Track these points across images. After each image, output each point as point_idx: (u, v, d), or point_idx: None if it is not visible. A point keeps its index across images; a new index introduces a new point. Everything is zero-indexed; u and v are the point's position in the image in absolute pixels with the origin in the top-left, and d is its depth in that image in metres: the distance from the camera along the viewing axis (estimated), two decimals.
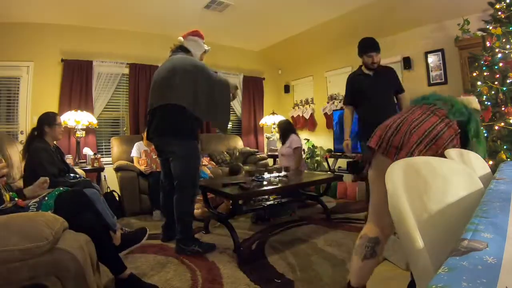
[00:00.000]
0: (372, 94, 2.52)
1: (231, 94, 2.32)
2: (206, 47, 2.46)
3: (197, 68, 2.23)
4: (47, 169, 2.10)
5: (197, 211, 2.90)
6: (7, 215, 1.10)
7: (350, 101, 2.71)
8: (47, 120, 2.35)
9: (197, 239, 2.32)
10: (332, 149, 4.54)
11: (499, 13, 2.58)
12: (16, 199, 1.38)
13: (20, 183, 2.27)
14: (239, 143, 5.02)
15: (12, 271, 0.96)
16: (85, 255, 1.15)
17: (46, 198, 1.37)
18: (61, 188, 1.49)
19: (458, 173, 0.89)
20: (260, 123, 5.52)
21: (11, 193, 1.41)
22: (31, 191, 1.52)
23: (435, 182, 0.82)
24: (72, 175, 2.36)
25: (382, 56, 4.21)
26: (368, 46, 2.53)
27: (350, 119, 2.72)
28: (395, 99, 2.68)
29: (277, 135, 5.27)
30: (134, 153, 3.61)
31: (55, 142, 2.46)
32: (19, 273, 0.97)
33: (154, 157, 3.42)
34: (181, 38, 2.39)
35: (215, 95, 2.26)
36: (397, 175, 0.77)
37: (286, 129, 3.84)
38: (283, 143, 3.83)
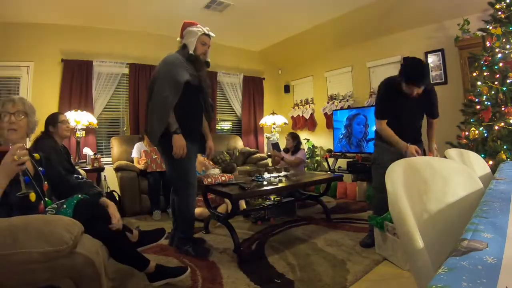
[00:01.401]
0: (405, 116, 2.21)
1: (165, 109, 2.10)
2: (201, 30, 2.21)
3: (160, 66, 2.16)
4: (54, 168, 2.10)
5: (197, 211, 2.90)
6: (25, 217, 1.09)
7: (385, 116, 2.24)
8: (50, 121, 2.36)
9: (195, 240, 2.29)
10: (332, 149, 4.54)
11: (499, 13, 2.59)
12: (42, 202, 1.36)
13: None
14: (239, 143, 5.02)
15: (29, 272, 0.97)
16: (100, 259, 1.16)
17: (65, 206, 1.34)
18: (79, 196, 1.45)
19: (458, 173, 0.89)
20: (260, 123, 5.52)
21: (47, 199, 1.40)
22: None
23: (435, 182, 0.82)
24: (75, 175, 2.36)
25: (381, 56, 4.27)
26: (415, 78, 2.00)
27: (390, 130, 2.22)
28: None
29: (275, 136, 5.28)
30: (134, 153, 3.62)
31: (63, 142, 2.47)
32: (36, 275, 0.98)
33: (154, 157, 3.42)
34: (179, 39, 2.30)
35: (153, 94, 2.12)
36: (397, 175, 0.77)
37: (299, 142, 4.05)
38: (292, 153, 3.98)
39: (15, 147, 1.15)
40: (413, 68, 2.02)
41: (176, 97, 2.07)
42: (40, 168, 1.45)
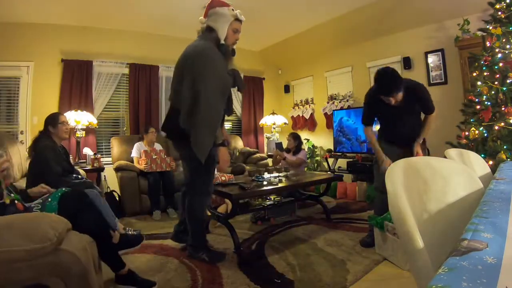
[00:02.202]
0: (393, 120, 2.27)
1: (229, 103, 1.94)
2: (233, 14, 1.92)
3: (194, 58, 1.83)
4: (53, 168, 2.10)
5: None
6: (10, 216, 1.09)
7: (369, 122, 2.38)
8: (50, 121, 2.35)
9: (207, 247, 2.18)
10: (332, 149, 4.54)
11: (499, 13, 2.59)
12: (17, 202, 1.37)
13: (20, 183, 2.27)
14: (239, 143, 5.02)
15: (14, 271, 0.96)
16: (88, 256, 1.15)
17: (50, 199, 1.37)
18: (63, 189, 1.48)
19: (458, 173, 0.89)
20: (260, 123, 5.52)
21: (12, 194, 1.40)
22: (35, 193, 1.54)
23: (435, 182, 0.82)
24: (74, 175, 2.36)
25: (381, 56, 4.26)
26: (383, 91, 2.06)
27: (374, 137, 2.38)
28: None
29: (275, 136, 5.27)
30: (134, 153, 3.62)
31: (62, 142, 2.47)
32: (22, 273, 0.98)
33: (154, 157, 3.43)
34: (201, 18, 1.96)
35: (200, 103, 1.77)
36: (397, 175, 0.77)
37: (301, 143, 4.05)
38: (294, 153, 3.98)
39: None
40: (381, 80, 2.05)
41: (224, 106, 1.88)
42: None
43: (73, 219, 1.24)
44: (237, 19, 1.94)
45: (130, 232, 2.10)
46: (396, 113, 2.19)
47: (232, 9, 1.92)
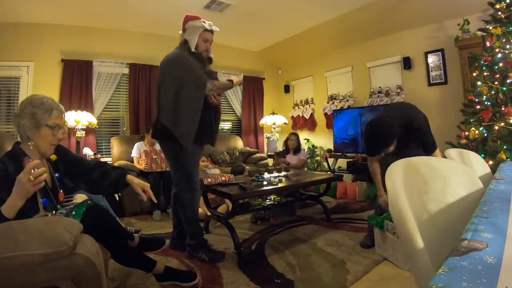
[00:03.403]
0: (398, 149, 1.92)
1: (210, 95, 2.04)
2: (203, 25, 2.09)
3: (168, 64, 2.04)
4: None
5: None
6: (26, 220, 1.08)
7: (372, 154, 2.10)
8: None
9: (207, 246, 2.19)
10: (332, 149, 4.54)
11: (499, 13, 2.59)
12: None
13: None
14: (239, 143, 5.02)
15: (30, 274, 0.97)
16: (101, 260, 1.15)
17: (73, 212, 1.31)
18: (89, 202, 1.41)
19: (458, 173, 0.89)
20: (260, 123, 5.52)
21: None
22: None
23: (435, 182, 0.82)
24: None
25: (381, 56, 4.27)
26: (370, 153, 2.01)
27: (377, 169, 2.19)
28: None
29: (275, 136, 5.27)
30: (134, 153, 3.61)
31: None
32: (37, 276, 0.98)
33: (154, 157, 3.42)
34: (181, 32, 2.17)
35: (180, 97, 1.99)
36: (397, 175, 0.77)
37: (300, 143, 4.08)
38: (294, 153, 4.00)
39: (29, 165, 1.03)
40: (367, 142, 1.94)
41: (203, 94, 2.01)
42: (56, 174, 1.39)
43: (94, 235, 1.21)
44: (206, 30, 2.12)
45: (132, 231, 2.07)
46: (400, 146, 1.91)
47: (203, 21, 2.11)
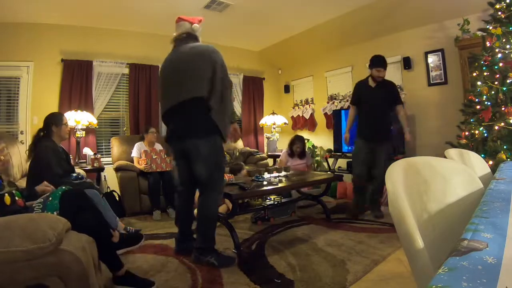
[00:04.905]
0: (372, 103, 3.01)
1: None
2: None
3: (217, 55, 2.01)
4: (53, 169, 2.10)
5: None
6: (10, 216, 1.09)
7: (355, 102, 3.19)
8: (54, 120, 2.34)
9: (216, 250, 2.09)
10: (332, 149, 4.54)
11: (499, 13, 2.59)
12: (17, 198, 1.37)
13: (20, 183, 2.27)
14: (239, 143, 5.02)
15: (15, 271, 0.97)
16: (88, 256, 1.16)
17: (51, 198, 1.37)
18: (64, 187, 1.48)
19: (458, 173, 0.89)
20: (260, 123, 5.51)
21: (14, 190, 1.40)
22: (41, 190, 1.56)
23: (435, 182, 0.82)
24: (74, 175, 2.36)
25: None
26: (379, 62, 2.97)
27: (353, 117, 3.24)
28: (394, 109, 3.09)
29: (275, 136, 5.27)
30: (134, 153, 3.62)
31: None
32: (22, 274, 0.98)
33: (154, 157, 3.43)
34: (196, 25, 2.14)
35: (226, 99, 2.02)
36: (397, 175, 0.77)
37: (305, 148, 4.11)
38: (300, 157, 3.96)
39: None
40: (376, 57, 3.01)
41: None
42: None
43: (74, 217, 1.25)
44: None
45: (132, 231, 2.10)
46: (374, 97, 2.98)
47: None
